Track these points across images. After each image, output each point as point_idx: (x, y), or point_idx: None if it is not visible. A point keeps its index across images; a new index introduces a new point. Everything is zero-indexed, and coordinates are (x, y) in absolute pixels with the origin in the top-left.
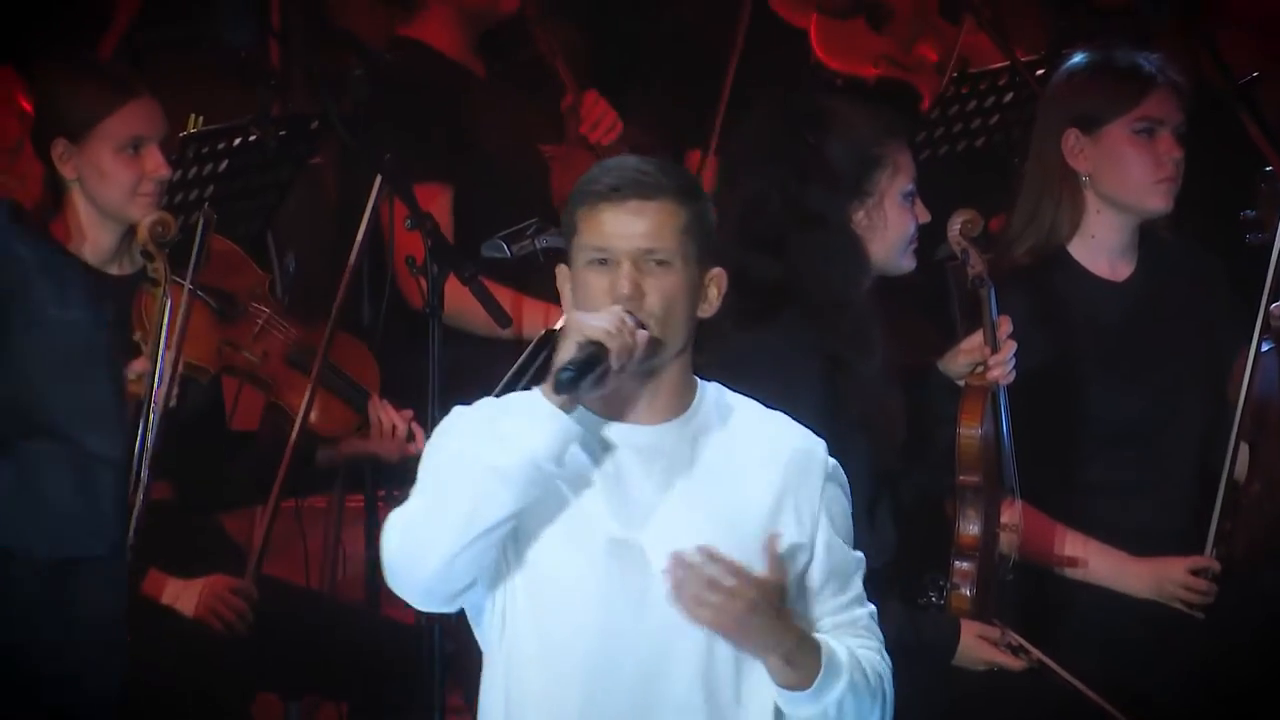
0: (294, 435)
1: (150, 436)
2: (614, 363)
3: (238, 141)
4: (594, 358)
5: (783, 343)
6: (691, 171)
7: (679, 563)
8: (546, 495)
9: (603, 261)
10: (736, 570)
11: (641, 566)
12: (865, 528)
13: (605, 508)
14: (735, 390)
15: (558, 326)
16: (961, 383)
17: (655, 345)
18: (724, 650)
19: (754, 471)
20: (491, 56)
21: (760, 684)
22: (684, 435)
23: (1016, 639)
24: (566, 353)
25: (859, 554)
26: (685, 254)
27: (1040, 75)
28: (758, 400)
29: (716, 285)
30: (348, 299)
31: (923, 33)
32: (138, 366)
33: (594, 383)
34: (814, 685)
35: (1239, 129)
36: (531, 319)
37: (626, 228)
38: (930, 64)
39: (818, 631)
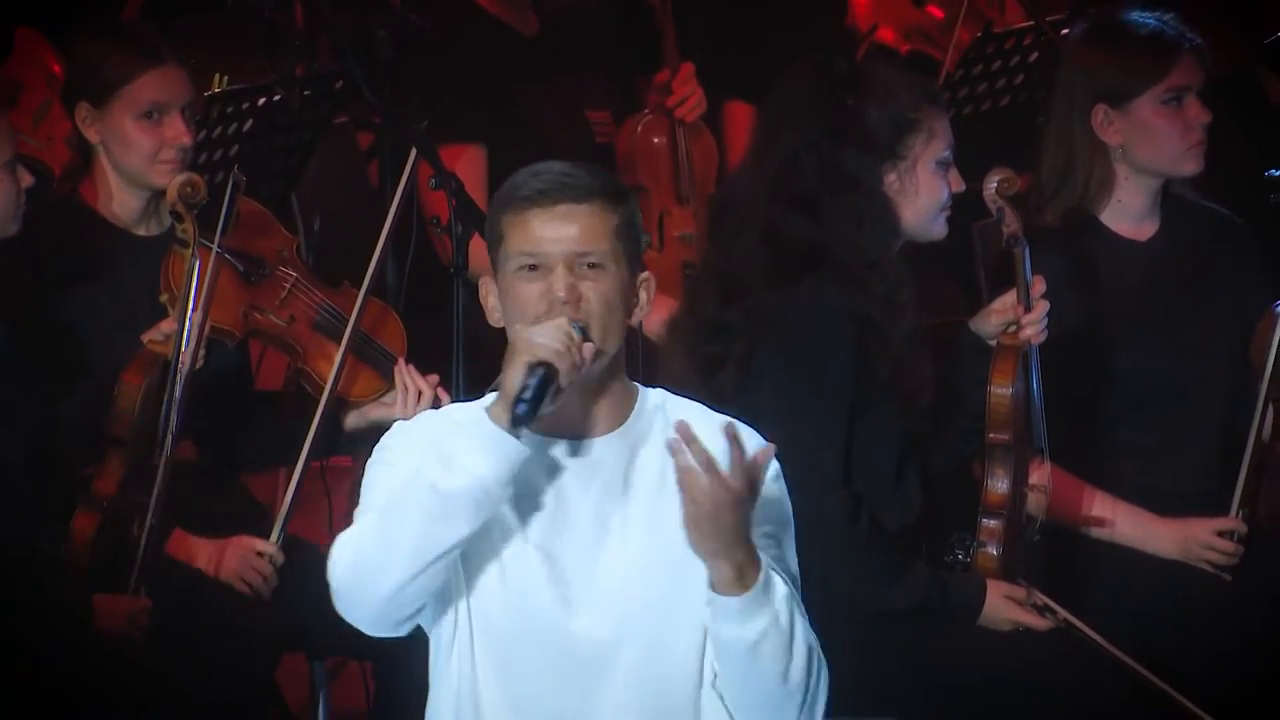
0: (322, 403)
1: (176, 397)
2: (563, 381)
3: (262, 102)
4: (545, 379)
5: (813, 301)
6: None
7: (686, 434)
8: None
9: (533, 267)
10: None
11: (582, 584)
12: (891, 489)
13: (544, 527)
14: (765, 372)
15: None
16: (993, 342)
17: (597, 355)
18: (663, 661)
19: None
20: (548, 17)
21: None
22: (623, 447)
23: (1043, 599)
24: (517, 376)
25: (790, 565)
26: (617, 256)
27: (1065, 34)
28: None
29: (646, 289)
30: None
31: (962, 14)
32: (165, 327)
33: (548, 405)
34: (749, 594)
35: (1264, 88)
36: None
37: (558, 231)
38: (964, 44)
39: None
